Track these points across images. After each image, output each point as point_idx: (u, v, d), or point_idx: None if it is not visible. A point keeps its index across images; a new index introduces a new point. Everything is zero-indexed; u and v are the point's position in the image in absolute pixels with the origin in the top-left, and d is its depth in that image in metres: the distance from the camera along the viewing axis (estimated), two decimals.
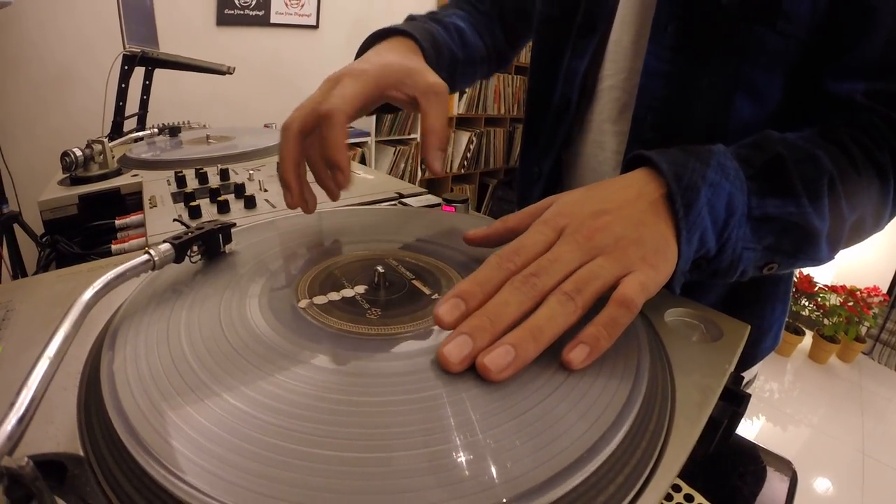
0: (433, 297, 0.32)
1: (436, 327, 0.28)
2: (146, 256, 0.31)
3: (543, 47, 0.59)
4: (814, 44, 0.41)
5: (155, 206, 0.59)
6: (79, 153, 0.70)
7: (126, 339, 0.26)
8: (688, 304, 0.34)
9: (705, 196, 0.31)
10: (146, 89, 1.39)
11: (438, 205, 0.57)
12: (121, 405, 0.21)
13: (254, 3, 2.59)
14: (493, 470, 0.18)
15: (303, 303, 0.30)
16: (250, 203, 0.57)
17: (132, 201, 0.70)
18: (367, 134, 2.95)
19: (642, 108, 0.47)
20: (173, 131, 1.03)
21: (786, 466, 0.29)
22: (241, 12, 2.56)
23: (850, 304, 2.46)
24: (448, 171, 3.34)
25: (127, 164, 0.80)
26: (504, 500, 0.17)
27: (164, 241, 0.33)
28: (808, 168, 0.34)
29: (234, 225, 0.39)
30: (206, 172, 0.69)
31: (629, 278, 0.27)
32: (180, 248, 0.33)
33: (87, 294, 0.26)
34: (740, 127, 0.44)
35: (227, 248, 0.38)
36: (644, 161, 0.34)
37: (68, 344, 0.22)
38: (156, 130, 1.02)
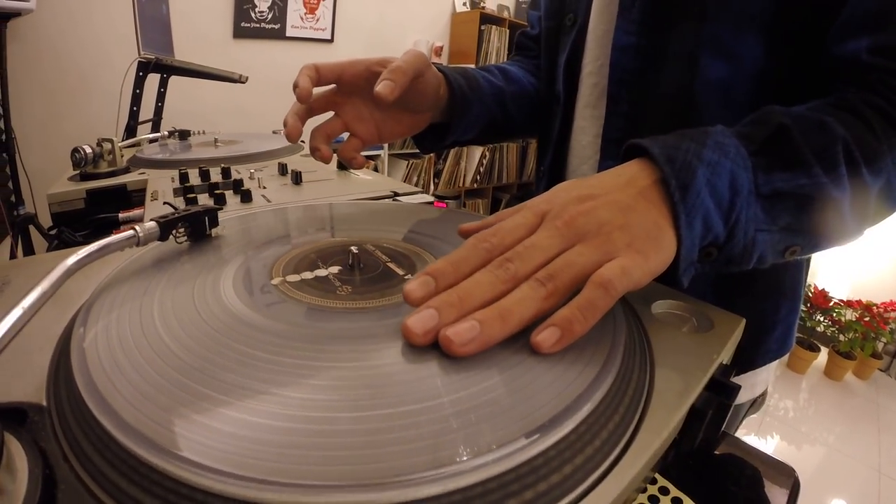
0: (406, 277, 0.32)
1: (405, 304, 0.28)
2: (131, 232, 0.33)
3: (545, 56, 0.60)
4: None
5: (156, 200, 0.61)
6: (89, 150, 0.72)
7: (102, 305, 0.27)
8: (678, 297, 0.34)
9: (703, 176, 0.29)
10: (161, 96, 1.43)
11: (432, 203, 0.58)
12: (85, 360, 0.22)
13: (270, 16, 2.66)
14: (436, 443, 0.18)
15: (276, 280, 0.31)
16: (246, 197, 0.58)
17: (137, 198, 0.72)
18: (381, 147, 2.99)
19: (614, 83, 0.48)
20: (182, 135, 1.06)
21: (787, 473, 0.28)
22: (258, 25, 2.63)
23: (867, 319, 2.40)
24: (461, 185, 3.36)
25: (136, 163, 0.82)
26: (442, 471, 0.17)
27: (151, 220, 0.35)
28: (817, 137, 0.31)
29: (220, 209, 0.40)
30: (208, 171, 0.71)
31: (610, 262, 0.26)
32: (165, 227, 0.35)
33: (71, 259, 0.27)
34: (711, 87, 0.43)
35: (214, 231, 0.39)
36: (638, 151, 0.33)
37: (44, 300, 0.24)
38: (166, 134, 1.05)
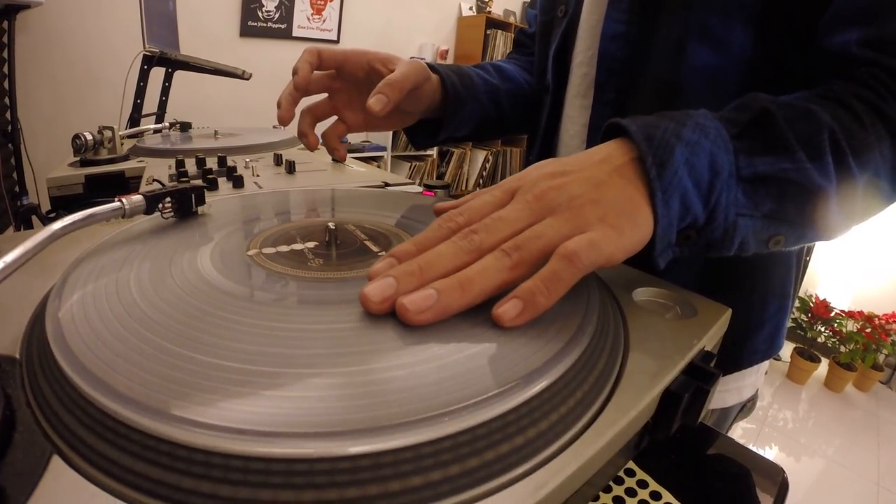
0: (380, 253, 0.33)
1: None
2: (118, 204, 0.34)
3: (539, 49, 0.61)
4: None
5: (151, 184, 0.61)
6: (89, 137, 0.73)
7: (82, 267, 0.28)
8: (661, 285, 0.33)
9: (681, 155, 0.28)
10: (165, 91, 1.45)
11: (421, 192, 0.59)
12: (57, 311, 0.23)
13: (277, 16, 2.69)
14: (388, 410, 0.17)
15: (252, 251, 0.32)
16: (238, 182, 0.59)
17: (135, 185, 0.73)
18: (384, 149, 3.01)
19: (603, 71, 0.48)
20: (184, 127, 1.07)
21: (776, 472, 0.27)
22: (264, 25, 2.67)
23: (868, 330, 2.39)
24: (464, 188, 3.37)
25: (135, 152, 0.83)
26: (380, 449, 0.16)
27: (138, 193, 0.35)
28: (803, 124, 0.31)
29: (206, 187, 0.41)
30: (204, 159, 0.72)
31: (579, 235, 0.25)
32: (151, 200, 0.35)
33: (57, 224, 0.28)
34: (697, 74, 0.43)
35: (201, 210, 0.40)
36: (618, 131, 0.32)
37: (26, 258, 0.24)
38: (167, 125, 1.06)
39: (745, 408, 0.58)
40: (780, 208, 0.31)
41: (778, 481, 0.26)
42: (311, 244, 0.34)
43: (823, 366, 2.51)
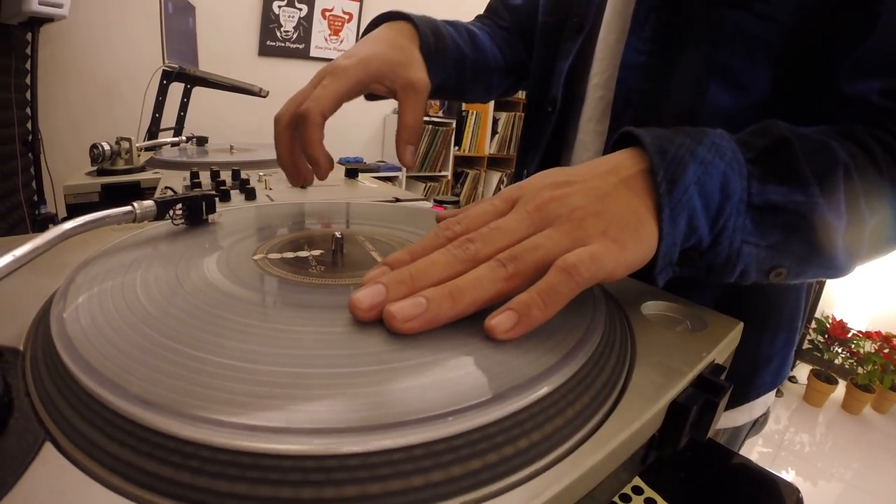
0: None
1: None
2: (129, 208, 0.34)
3: (541, 53, 0.60)
4: (810, 32, 0.38)
5: (164, 193, 0.63)
6: (107, 147, 0.75)
7: (90, 266, 0.29)
8: (671, 298, 0.32)
9: (694, 173, 0.28)
10: (183, 106, 1.49)
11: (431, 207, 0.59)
12: (62, 306, 0.23)
13: (295, 36, 2.75)
14: (373, 412, 0.17)
15: (257, 256, 0.32)
16: (250, 195, 0.60)
17: (150, 195, 0.73)
18: (399, 169, 3.03)
19: (620, 101, 0.47)
20: (200, 141, 1.09)
21: (790, 492, 0.26)
22: (283, 45, 2.73)
23: (886, 351, 2.33)
24: None
25: (152, 164, 0.85)
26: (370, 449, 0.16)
27: (149, 199, 0.36)
28: (819, 158, 0.30)
29: (217, 195, 0.41)
30: (219, 172, 0.73)
31: (580, 248, 0.24)
32: (162, 206, 0.36)
33: (68, 224, 0.29)
34: (716, 114, 0.42)
35: (211, 218, 0.41)
36: (630, 140, 0.31)
37: (35, 254, 0.25)
38: (184, 139, 1.08)
39: (757, 423, 0.57)
40: (786, 241, 0.30)
41: (793, 502, 0.26)
42: (316, 252, 0.34)
43: (841, 388, 2.45)
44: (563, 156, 0.58)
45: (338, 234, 0.34)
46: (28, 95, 1.56)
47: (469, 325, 0.23)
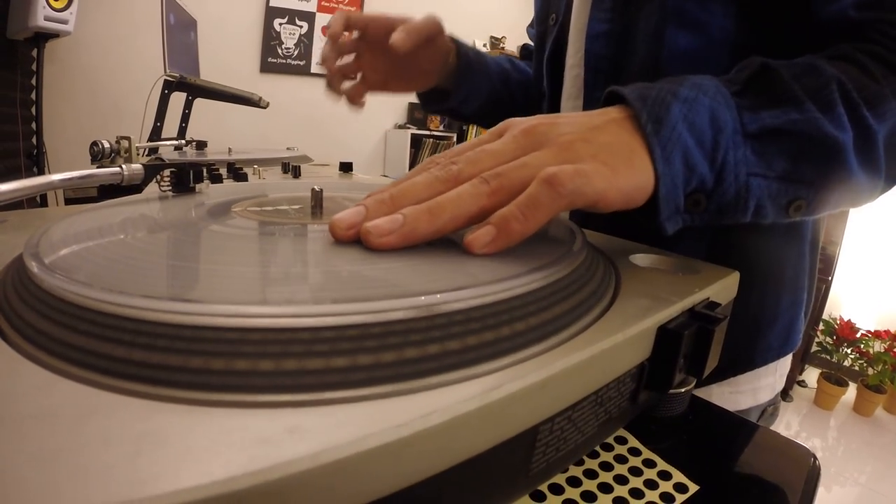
0: None
1: None
2: (117, 169, 0.35)
3: (535, 58, 0.62)
4: None
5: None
6: (107, 145, 0.77)
7: (75, 214, 0.29)
8: (664, 253, 0.31)
9: (679, 111, 0.27)
10: (185, 117, 1.51)
11: None
12: (35, 240, 0.23)
13: (296, 53, 2.80)
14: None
15: (237, 208, 0.33)
16: (241, 178, 0.61)
17: None
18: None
19: (591, 72, 0.49)
20: (199, 145, 1.11)
21: (805, 456, 0.25)
22: (284, 61, 2.78)
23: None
24: None
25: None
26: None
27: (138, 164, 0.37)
28: (808, 77, 0.29)
29: (205, 165, 0.42)
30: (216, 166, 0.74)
31: (566, 164, 0.23)
32: (150, 170, 0.37)
33: (57, 176, 0.30)
34: (677, 58, 0.42)
35: (198, 187, 0.41)
36: (616, 98, 0.30)
37: (18, 193, 0.26)
38: (184, 142, 1.10)
39: (766, 413, 0.54)
40: (795, 168, 0.29)
41: (809, 462, 0.25)
42: (295, 206, 0.34)
43: (851, 390, 2.41)
44: None
45: (316, 188, 0.34)
46: (33, 110, 1.60)
47: (447, 244, 0.23)
